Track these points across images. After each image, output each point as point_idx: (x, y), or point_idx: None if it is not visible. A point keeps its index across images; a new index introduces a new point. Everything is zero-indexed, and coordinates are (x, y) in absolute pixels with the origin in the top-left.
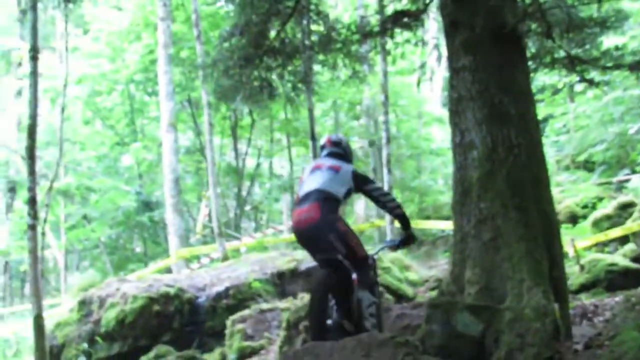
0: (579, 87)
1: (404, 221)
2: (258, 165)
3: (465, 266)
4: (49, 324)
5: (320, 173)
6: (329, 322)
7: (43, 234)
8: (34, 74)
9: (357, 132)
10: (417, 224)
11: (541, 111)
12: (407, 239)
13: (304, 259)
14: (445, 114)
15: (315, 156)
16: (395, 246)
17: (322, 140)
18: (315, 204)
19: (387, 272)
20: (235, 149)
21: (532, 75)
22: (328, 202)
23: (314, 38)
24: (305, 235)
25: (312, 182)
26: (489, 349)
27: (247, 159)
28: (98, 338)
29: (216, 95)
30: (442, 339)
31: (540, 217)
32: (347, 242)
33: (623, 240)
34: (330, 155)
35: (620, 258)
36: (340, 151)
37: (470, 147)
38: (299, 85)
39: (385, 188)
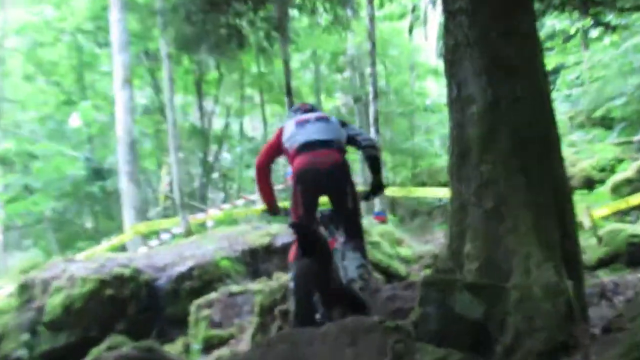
0: (594, 33)
1: (375, 164)
2: (226, 126)
3: (465, 239)
4: None
5: (313, 124)
6: (318, 316)
7: None
8: None
9: (341, 87)
10: (410, 192)
11: (551, 61)
12: (375, 187)
13: (279, 233)
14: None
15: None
16: (364, 197)
17: (294, 107)
18: (334, 150)
19: (375, 248)
20: (200, 108)
21: (539, 18)
22: (343, 151)
23: None
24: (322, 178)
25: (312, 132)
26: (493, 334)
27: (213, 119)
28: (41, 328)
29: (177, 45)
30: (438, 322)
31: (550, 181)
32: (355, 199)
33: None
34: (307, 112)
35: None
36: (315, 110)
37: (469, 101)
38: (273, 33)
39: None
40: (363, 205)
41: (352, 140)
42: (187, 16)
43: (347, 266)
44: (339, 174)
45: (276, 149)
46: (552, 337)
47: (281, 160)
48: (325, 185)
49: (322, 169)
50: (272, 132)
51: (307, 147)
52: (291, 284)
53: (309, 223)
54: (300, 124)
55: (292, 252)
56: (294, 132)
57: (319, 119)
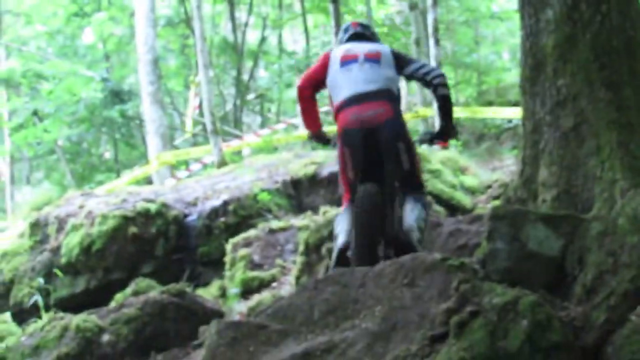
0: None
1: (446, 106)
2: (263, 39)
3: (539, 164)
4: None
5: (360, 69)
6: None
7: None
8: None
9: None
10: (475, 113)
11: None
12: (444, 132)
13: (325, 161)
14: None
15: (337, 24)
16: (428, 139)
17: (345, 24)
18: (386, 102)
19: (436, 177)
20: (232, 19)
21: None
22: (396, 102)
23: None
24: (364, 139)
25: (359, 82)
26: (571, 272)
27: (248, 31)
28: (57, 271)
29: None
30: (509, 260)
31: (637, 96)
32: (412, 156)
33: None
34: (357, 37)
35: None
36: (367, 33)
37: (544, 4)
38: None
39: (433, 63)
40: (420, 127)
41: (414, 77)
42: None
43: (406, 214)
44: (385, 132)
45: (321, 79)
46: (639, 275)
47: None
48: (375, 144)
49: (371, 126)
50: (316, 45)
51: (352, 100)
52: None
53: (370, 193)
54: (346, 64)
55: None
56: (338, 77)
57: (368, 59)
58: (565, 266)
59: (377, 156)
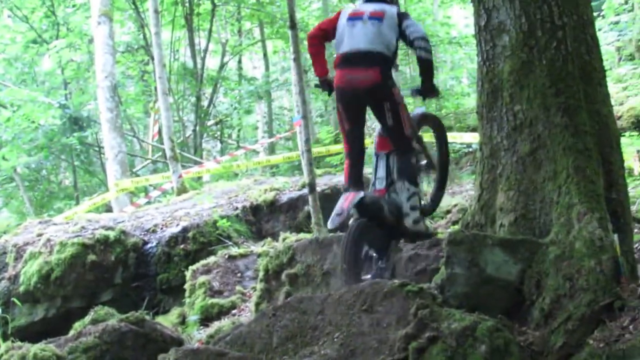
0: None
1: (425, 68)
2: (222, 65)
3: (497, 189)
4: None
5: (363, 26)
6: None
7: None
8: None
9: None
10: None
11: None
12: (425, 90)
13: (285, 187)
14: None
15: (296, 50)
16: (416, 92)
17: None
18: (375, 68)
19: None
20: (192, 45)
21: None
22: (386, 65)
23: None
24: (354, 99)
25: (357, 38)
26: (529, 296)
27: (207, 57)
28: (15, 300)
29: None
30: (467, 285)
31: (593, 121)
32: (398, 113)
33: None
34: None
35: None
36: None
37: (500, 30)
38: None
39: None
40: None
41: (404, 35)
42: None
43: (399, 199)
44: (370, 94)
45: (330, 31)
46: (596, 299)
47: (287, 103)
48: (364, 102)
49: (359, 88)
50: (276, 71)
51: (347, 60)
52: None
53: (358, 136)
54: (352, 20)
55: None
56: (342, 31)
57: (371, 17)
58: (523, 291)
59: (365, 108)
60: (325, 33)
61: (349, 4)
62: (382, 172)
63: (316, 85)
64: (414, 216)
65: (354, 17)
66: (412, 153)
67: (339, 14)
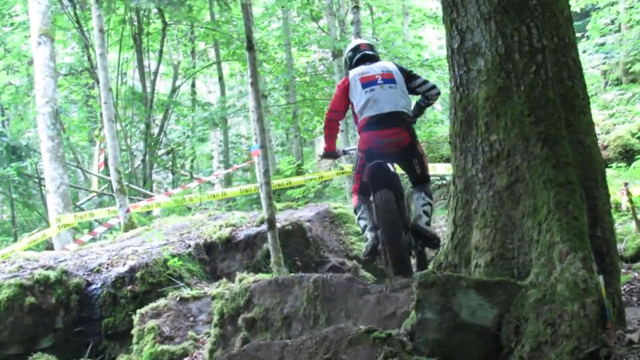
0: None
1: (422, 111)
2: (175, 89)
3: (472, 226)
4: None
5: (381, 90)
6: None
7: None
8: None
9: (316, 38)
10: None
11: (578, 0)
12: (425, 106)
13: (241, 223)
14: (440, 8)
15: (254, 74)
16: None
17: (353, 44)
18: (403, 130)
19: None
20: (141, 67)
21: None
22: (411, 125)
23: None
24: (390, 157)
25: (382, 103)
26: (507, 343)
27: (158, 81)
28: None
29: None
30: (439, 331)
31: (576, 152)
32: (423, 164)
33: None
34: (366, 60)
35: None
36: (375, 54)
37: (474, 53)
38: None
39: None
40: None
41: (417, 91)
42: None
43: (415, 205)
44: (403, 155)
45: (346, 105)
46: (580, 346)
47: (244, 131)
48: (392, 160)
49: (390, 151)
50: (232, 96)
51: (373, 124)
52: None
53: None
54: (368, 85)
55: (355, 191)
56: (361, 96)
57: (386, 80)
58: (501, 337)
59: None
60: (344, 109)
61: (355, 40)
62: None
63: (322, 156)
64: (425, 219)
65: (368, 82)
66: (429, 183)
67: (346, 82)
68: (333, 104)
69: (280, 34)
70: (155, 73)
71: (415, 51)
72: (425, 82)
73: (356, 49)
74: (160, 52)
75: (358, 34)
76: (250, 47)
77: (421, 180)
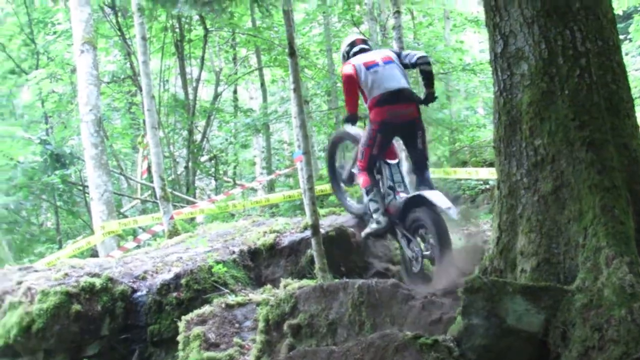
0: None
1: (429, 78)
2: (217, 96)
3: (517, 231)
4: None
5: (384, 70)
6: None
7: None
8: None
9: None
10: (448, 173)
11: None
12: (429, 99)
13: (285, 229)
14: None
15: (296, 80)
16: (421, 102)
17: (349, 40)
18: (413, 105)
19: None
20: (183, 74)
21: None
22: (417, 100)
23: None
24: (400, 129)
25: (387, 80)
26: (554, 349)
27: (200, 87)
28: None
29: None
30: (486, 336)
31: (621, 156)
32: (424, 138)
33: None
34: (363, 51)
35: None
36: (370, 48)
37: (518, 58)
38: None
39: None
40: None
41: (405, 63)
42: None
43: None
44: (412, 127)
45: (355, 88)
46: (628, 351)
47: (286, 137)
48: (401, 132)
49: (402, 122)
50: (274, 102)
51: (387, 99)
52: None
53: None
54: (371, 67)
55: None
56: (368, 78)
57: (386, 62)
58: (548, 343)
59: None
60: (355, 90)
61: (351, 35)
62: (398, 177)
63: (345, 120)
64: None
65: (370, 65)
66: (428, 169)
67: (353, 70)
68: (347, 91)
69: (322, 40)
70: (198, 80)
71: (456, 55)
72: (409, 53)
73: (352, 44)
74: (202, 59)
75: (399, 39)
76: (292, 53)
77: (423, 161)
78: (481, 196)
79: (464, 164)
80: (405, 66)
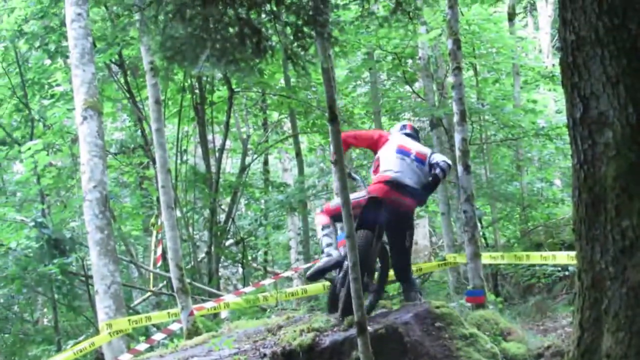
0: None
1: (434, 187)
2: (244, 168)
3: (602, 330)
4: None
5: (410, 164)
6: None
7: None
8: None
9: (411, 106)
10: (519, 259)
11: None
12: (424, 201)
13: (327, 326)
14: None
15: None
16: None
17: (402, 123)
18: (411, 200)
19: (470, 345)
20: (204, 143)
21: None
22: (418, 202)
23: None
24: (386, 211)
25: (406, 174)
26: None
27: (224, 158)
28: None
29: (165, 53)
30: None
31: None
32: (411, 242)
33: None
34: (409, 136)
35: None
36: (416, 135)
37: (601, 124)
38: (306, 29)
39: (462, 197)
40: (450, 279)
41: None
42: (177, 10)
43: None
44: (400, 217)
45: (367, 146)
46: None
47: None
48: (390, 220)
49: (397, 209)
50: (312, 174)
51: (393, 184)
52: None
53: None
54: (401, 153)
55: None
56: (391, 158)
57: (417, 158)
58: None
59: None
60: (362, 145)
61: (395, 130)
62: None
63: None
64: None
65: (403, 150)
66: (411, 277)
67: (384, 138)
68: (360, 136)
69: (368, 101)
70: (221, 149)
71: (528, 118)
72: (438, 154)
73: (404, 127)
74: (227, 124)
75: (460, 100)
76: (333, 117)
77: (403, 266)
78: (559, 285)
79: (538, 246)
80: (430, 165)
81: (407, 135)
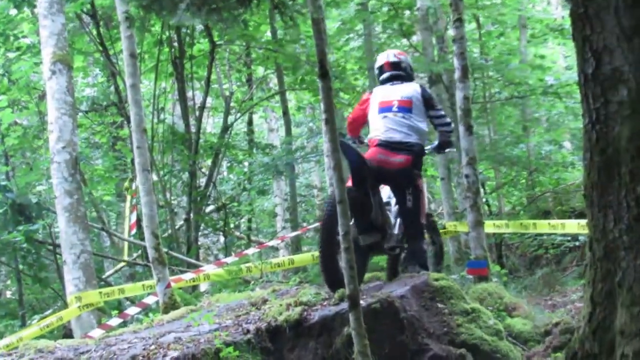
0: None
1: (444, 146)
2: (226, 128)
3: (615, 305)
4: None
5: (394, 118)
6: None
7: None
8: None
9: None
10: (525, 227)
11: None
12: (443, 144)
13: (315, 300)
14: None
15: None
16: (433, 149)
17: (378, 62)
18: (408, 156)
19: (472, 321)
20: (183, 100)
21: None
22: (418, 156)
23: None
24: (382, 175)
25: (392, 130)
26: None
27: (205, 117)
28: None
29: (141, 1)
30: None
31: None
32: (418, 200)
33: None
34: (392, 80)
35: None
36: (401, 73)
37: (615, 80)
38: None
39: (463, 160)
40: (449, 249)
41: (432, 122)
42: None
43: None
44: (396, 176)
45: (363, 116)
46: None
47: (317, 180)
48: (376, 180)
49: (382, 167)
50: (301, 134)
51: (383, 145)
52: None
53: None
54: (383, 110)
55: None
56: (376, 121)
57: (401, 107)
58: None
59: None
60: (360, 125)
61: (384, 54)
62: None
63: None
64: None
65: (384, 108)
66: (423, 240)
67: (367, 101)
68: (353, 117)
69: (362, 55)
70: (202, 107)
71: (535, 75)
72: (441, 116)
73: (381, 69)
74: (208, 80)
75: (461, 55)
76: (324, 73)
77: (411, 228)
78: (569, 256)
79: (546, 214)
80: (430, 117)
81: (387, 80)
